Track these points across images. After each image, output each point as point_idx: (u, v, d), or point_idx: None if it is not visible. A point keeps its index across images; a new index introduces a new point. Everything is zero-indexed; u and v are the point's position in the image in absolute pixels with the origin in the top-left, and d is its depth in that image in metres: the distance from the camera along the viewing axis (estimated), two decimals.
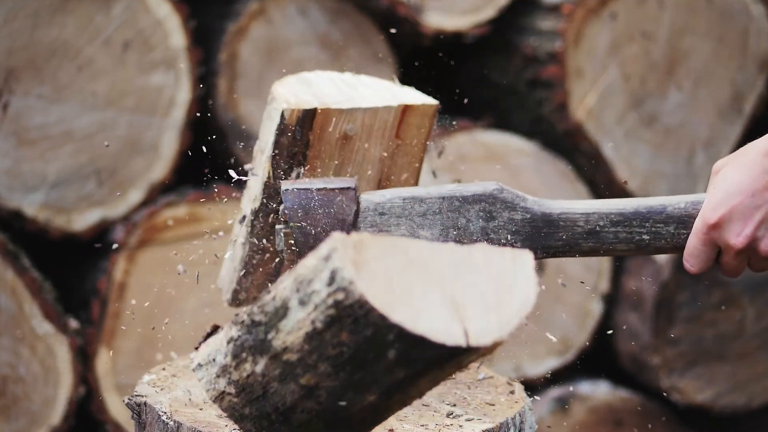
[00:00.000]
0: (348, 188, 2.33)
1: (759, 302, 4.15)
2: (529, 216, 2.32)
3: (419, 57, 4.19)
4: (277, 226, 2.34)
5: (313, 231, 2.31)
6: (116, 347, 3.66)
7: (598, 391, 4.12)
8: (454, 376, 2.46)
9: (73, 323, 3.61)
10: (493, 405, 2.31)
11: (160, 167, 3.71)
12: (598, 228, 2.32)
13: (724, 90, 4.16)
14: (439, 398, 2.33)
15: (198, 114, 3.74)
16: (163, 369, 2.43)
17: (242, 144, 3.81)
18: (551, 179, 4.03)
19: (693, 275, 4.06)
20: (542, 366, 4.06)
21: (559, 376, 4.09)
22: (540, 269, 4.04)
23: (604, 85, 4.03)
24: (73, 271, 3.79)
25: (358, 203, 2.33)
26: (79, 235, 3.66)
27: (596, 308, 4.10)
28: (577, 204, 2.34)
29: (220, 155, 3.90)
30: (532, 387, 4.03)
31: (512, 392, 2.39)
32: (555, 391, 4.08)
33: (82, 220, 3.65)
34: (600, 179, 4.08)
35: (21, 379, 3.53)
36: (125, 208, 3.69)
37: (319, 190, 2.33)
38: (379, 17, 3.90)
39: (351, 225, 2.32)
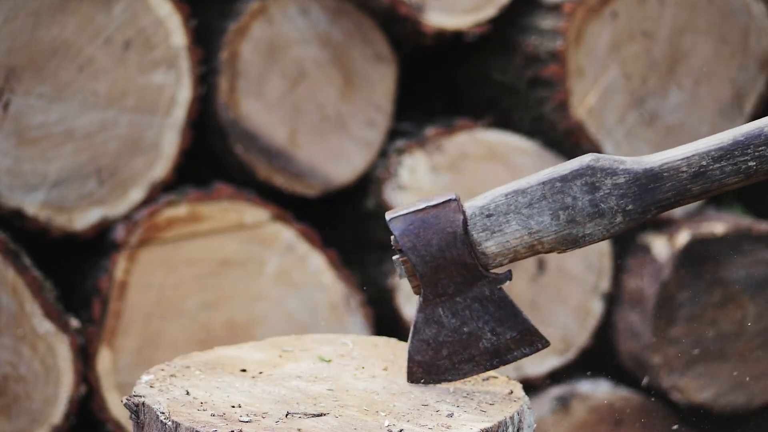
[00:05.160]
0: (450, 200, 2.33)
1: (759, 301, 4.15)
2: (631, 176, 2.30)
3: (420, 56, 4.20)
4: (394, 258, 2.34)
5: (427, 251, 2.31)
6: (117, 346, 3.66)
7: (598, 390, 4.12)
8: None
9: (74, 322, 3.62)
10: (493, 404, 2.32)
11: (161, 166, 3.71)
12: (702, 168, 2.29)
13: (724, 89, 4.16)
14: (438, 398, 2.34)
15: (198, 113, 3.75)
16: (162, 369, 2.43)
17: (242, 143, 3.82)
18: None
19: (693, 274, 4.07)
20: (543, 365, 4.06)
21: (559, 375, 4.10)
22: (540, 268, 4.05)
23: (604, 84, 4.03)
24: (74, 270, 3.79)
25: (463, 212, 2.32)
26: (80, 234, 3.66)
27: (597, 307, 4.10)
28: (674, 151, 2.31)
29: (221, 154, 3.91)
30: (533, 386, 4.04)
31: (511, 392, 2.39)
32: (555, 390, 4.09)
33: (83, 219, 3.65)
34: None
35: (22, 378, 3.54)
36: (126, 207, 3.70)
37: (422, 210, 2.33)
38: (380, 16, 3.91)
39: (462, 234, 2.31)
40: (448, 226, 2.31)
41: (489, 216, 2.32)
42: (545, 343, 2.38)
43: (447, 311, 2.35)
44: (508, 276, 2.35)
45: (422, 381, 2.38)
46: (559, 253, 2.35)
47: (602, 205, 2.31)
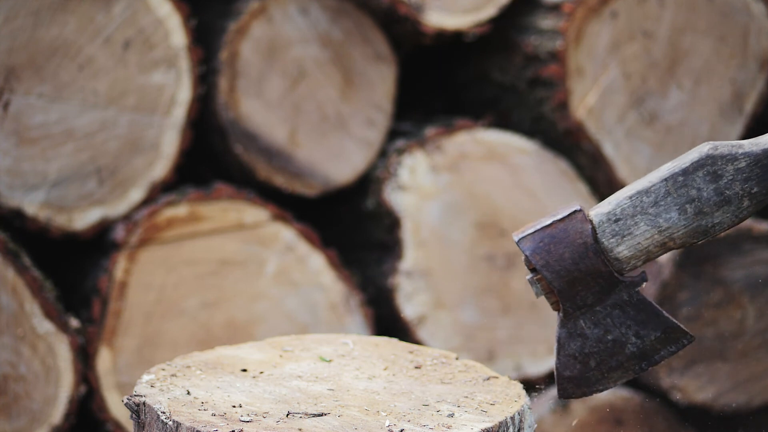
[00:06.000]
0: (575, 212, 2.31)
1: (759, 301, 4.15)
2: (752, 159, 2.28)
3: (420, 56, 4.20)
4: (528, 277, 2.33)
5: (561, 266, 2.29)
6: (117, 346, 3.66)
7: None
8: (454, 375, 2.47)
9: (74, 322, 3.62)
10: (493, 404, 2.32)
11: (161, 166, 3.71)
12: None
13: (724, 89, 4.16)
14: (439, 398, 2.34)
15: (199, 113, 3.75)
16: (163, 369, 2.43)
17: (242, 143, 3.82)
18: (552, 178, 4.04)
19: (693, 274, 4.07)
20: (543, 365, 4.06)
21: None
22: None
23: (604, 84, 4.03)
24: (73, 270, 3.79)
25: (590, 221, 2.31)
26: (80, 234, 3.66)
27: None
28: None
29: (221, 154, 3.91)
30: (533, 386, 4.04)
31: (512, 391, 2.39)
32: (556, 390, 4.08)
33: (83, 219, 3.65)
34: (600, 178, 4.08)
35: (22, 377, 3.54)
36: (126, 206, 3.69)
37: (549, 225, 2.31)
38: (380, 16, 3.91)
39: (593, 244, 2.29)
40: (578, 237, 2.30)
41: (617, 221, 2.31)
42: (690, 338, 2.36)
43: (588, 322, 2.33)
44: (644, 277, 2.33)
45: (574, 396, 2.36)
46: (690, 246, 2.33)
47: (727, 192, 2.29)
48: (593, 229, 2.30)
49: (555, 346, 2.35)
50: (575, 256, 2.29)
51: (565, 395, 2.37)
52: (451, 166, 3.97)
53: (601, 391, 2.37)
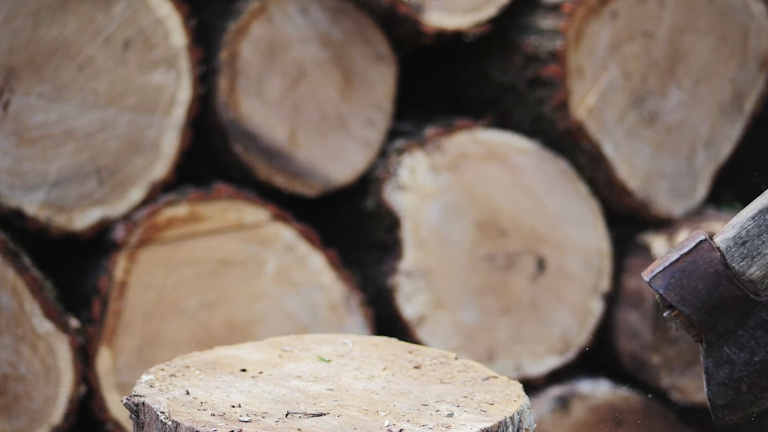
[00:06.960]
0: (702, 242, 2.32)
1: None
2: None
3: (420, 56, 4.20)
4: (665, 314, 2.33)
5: (696, 298, 2.30)
6: (117, 346, 3.66)
7: (598, 390, 4.12)
8: (453, 375, 2.47)
9: (74, 322, 3.62)
10: (493, 404, 2.32)
11: (161, 166, 3.71)
12: None
13: (724, 89, 4.16)
14: (438, 398, 2.34)
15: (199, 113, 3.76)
16: (162, 369, 2.43)
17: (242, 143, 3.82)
18: (552, 178, 4.04)
19: None
20: (543, 365, 4.06)
21: (559, 375, 4.10)
22: (540, 268, 4.05)
23: (604, 84, 4.03)
24: (73, 270, 3.79)
25: (718, 249, 2.31)
26: (80, 234, 3.66)
27: (597, 307, 4.10)
28: None
29: (221, 154, 3.91)
30: (533, 386, 4.04)
31: (512, 391, 2.39)
32: (555, 390, 4.09)
33: (83, 219, 3.65)
34: (600, 178, 4.08)
35: (22, 377, 3.54)
36: (126, 206, 3.70)
37: (677, 260, 2.31)
38: (380, 16, 3.91)
39: (725, 270, 2.30)
40: (709, 267, 2.30)
41: (744, 243, 2.31)
42: None
43: (733, 348, 2.33)
44: None
45: (731, 422, 2.36)
46: None
47: None
48: (722, 255, 2.31)
49: (703, 377, 2.35)
50: (709, 285, 2.30)
51: (722, 424, 2.37)
52: (451, 166, 3.97)
53: (758, 413, 2.37)
